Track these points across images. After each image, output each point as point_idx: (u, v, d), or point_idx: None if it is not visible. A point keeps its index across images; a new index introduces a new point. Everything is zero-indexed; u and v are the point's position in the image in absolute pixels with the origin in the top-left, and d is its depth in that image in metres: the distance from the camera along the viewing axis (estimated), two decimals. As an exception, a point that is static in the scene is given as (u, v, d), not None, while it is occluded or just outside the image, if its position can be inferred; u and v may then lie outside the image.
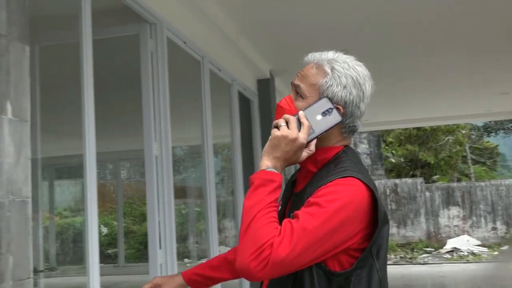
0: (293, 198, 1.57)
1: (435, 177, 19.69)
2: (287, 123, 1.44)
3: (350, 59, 1.54)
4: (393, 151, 20.77)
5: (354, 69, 1.51)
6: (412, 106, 11.12)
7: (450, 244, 15.12)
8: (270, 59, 7.09)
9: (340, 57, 1.53)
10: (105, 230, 15.58)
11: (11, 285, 2.11)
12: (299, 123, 1.44)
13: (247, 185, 5.97)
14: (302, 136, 1.42)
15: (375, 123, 13.05)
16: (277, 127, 1.45)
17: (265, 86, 7.35)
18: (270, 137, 1.46)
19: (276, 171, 1.41)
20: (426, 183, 16.82)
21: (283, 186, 1.53)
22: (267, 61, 7.14)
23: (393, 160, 20.83)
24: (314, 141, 1.47)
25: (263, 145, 7.11)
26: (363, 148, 19.09)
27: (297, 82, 1.54)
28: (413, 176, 19.21)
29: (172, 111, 4.23)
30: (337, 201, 1.35)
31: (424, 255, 14.59)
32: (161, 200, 4.08)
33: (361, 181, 1.39)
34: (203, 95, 5.15)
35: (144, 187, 4.17)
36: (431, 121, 14.26)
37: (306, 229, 1.31)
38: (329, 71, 1.50)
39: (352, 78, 1.49)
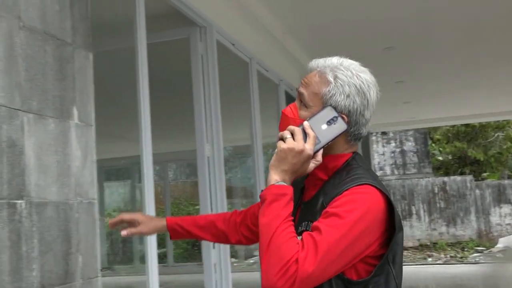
0: (302, 206, 1.54)
1: (484, 174, 19.23)
2: (292, 134, 1.43)
3: (354, 66, 1.50)
4: (441, 149, 20.39)
5: (358, 76, 1.47)
6: (460, 102, 10.89)
7: (502, 243, 14.74)
8: (316, 58, 7.07)
9: (344, 63, 1.49)
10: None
11: (81, 283, 2.19)
12: (305, 134, 1.43)
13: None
14: (309, 147, 1.41)
15: (421, 120, 12.85)
16: (283, 139, 1.43)
17: (311, 85, 7.34)
18: (276, 150, 1.44)
19: (286, 184, 1.40)
20: (475, 180, 16.44)
21: None
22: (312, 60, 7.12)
23: (440, 158, 20.45)
24: (321, 151, 1.45)
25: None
26: (409, 146, 18.81)
27: (301, 90, 1.51)
28: (461, 173, 18.82)
29: (221, 112, 4.29)
30: (356, 211, 1.34)
31: (475, 254, 14.26)
32: (214, 200, 4.14)
33: (377, 188, 1.39)
34: (251, 95, 5.21)
35: (190, 187, 4.25)
36: (480, 117, 13.92)
37: (329, 242, 1.30)
38: (332, 79, 1.46)
39: (356, 87, 1.46)
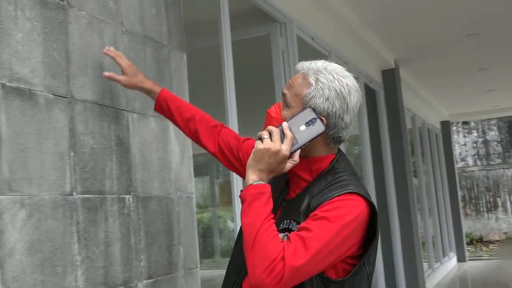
0: (284, 204, 1.55)
1: None
2: (270, 135, 1.46)
3: (337, 70, 1.51)
4: (527, 137, 19.41)
5: (339, 80, 1.48)
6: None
7: None
8: (395, 49, 6.96)
9: (328, 68, 1.50)
10: (232, 225, 16.16)
11: (183, 273, 2.30)
12: (283, 134, 1.45)
13: (376, 177, 5.95)
14: (285, 148, 1.43)
15: (506, 108, 12.30)
16: (261, 139, 1.46)
17: (390, 76, 7.24)
18: (253, 150, 1.46)
19: (263, 183, 1.43)
20: None
21: None
22: (391, 51, 7.02)
23: (526, 147, 19.48)
24: (298, 152, 1.47)
25: (390, 136, 7.04)
26: (492, 135, 18.07)
27: (284, 90, 1.54)
28: (550, 163, 17.84)
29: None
30: (345, 217, 1.39)
31: None
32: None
33: (362, 196, 1.43)
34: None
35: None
36: None
37: (320, 242, 1.35)
38: (313, 82, 1.48)
39: (336, 90, 1.47)
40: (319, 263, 1.37)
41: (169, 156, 2.29)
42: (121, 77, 1.94)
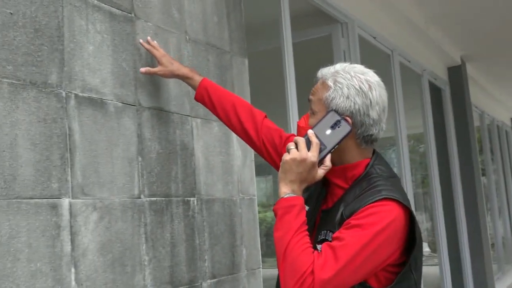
0: (322, 215, 1.52)
1: None
2: (296, 145, 1.44)
3: (355, 69, 1.49)
4: None
5: (357, 78, 1.46)
6: None
7: None
8: (461, 45, 6.77)
9: (346, 68, 1.49)
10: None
11: (245, 274, 2.36)
12: (309, 143, 1.43)
13: (442, 175, 5.81)
14: (312, 155, 1.41)
15: None
16: (288, 151, 1.44)
17: (457, 73, 7.05)
18: (281, 162, 1.45)
19: (295, 195, 1.42)
20: None
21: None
22: (457, 47, 6.84)
23: None
24: (329, 157, 1.45)
25: (457, 134, 6.86)
26: None
27: (310, 97, 1.54)
28: None
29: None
30: (377, 224, 1.35)
31: None
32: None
33: (397, 201, 1.39)
34: (394, 87, 5.13)
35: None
36: None
37: (351, 252, 1.32)
38: (331, 84, 1.47)
39: (355, 87, 1.45)
40: (353, 273, 1.34)
41: (231, 160, 2.36)
42: (156, 68, 1.94)
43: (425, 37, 5.81)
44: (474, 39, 6.59)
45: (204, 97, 1.94)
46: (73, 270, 1.60)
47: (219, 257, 2.22)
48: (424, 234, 12.21)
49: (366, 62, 4.47)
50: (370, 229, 1.35)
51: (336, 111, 1.45)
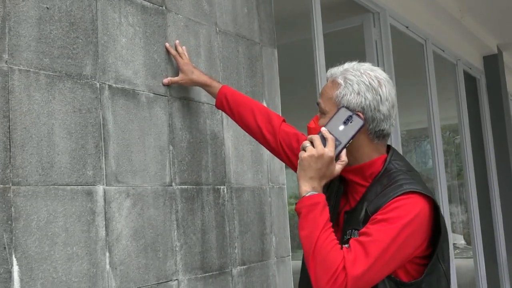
0: (346, 216, 1.51)
1: None
2: (311, 143, 1.45)
3: (364, 66, 1.51)
4: None
5: (367, 74, 1.48)
6: None
7: None
8: (497, 33, 6.64)
9: (356, 66, 1.52)
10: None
11: (275, 261, 2.40)
12: (324, 139, 1.44)
13: (477, 166, 5.72)
14: (328, 150, 1.42)
15: None
16: (304, 149, 1.46)
17: (493, 62, 6.91)
18: (298, 161, 1.46)
19: (316, 192, 1.42)
20: None
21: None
22: (493, 36, 6.70)
23: None
24: (344, 151, 1.46)
25: (492, 125, 6.75)
26: None
27: (318, 100, 1.56)
28: None
29: (397, 96, 4.26)
30: (404, 217, 1.37)
31: None
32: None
33: (421, 194, 1.41)
34: (427, 77, 5.08)
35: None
36: None
37: (380, 246, 1.34)
38: (341, 81, 1.49)
39: (365, 84, 1.47)
40: (383, 267, 1.36)
41: (261, 149, 2.39)
42: (177, 78, 1.98)
43: (460, 25, 5.72)
44: (511, 27, 6.45)
45: (224, 104, 1.98)
46: (107, 254, 1.67)
47: (248, 245, 2.26)
48: (459, 227, 12.04)
49: (399, 52, 4.46)
50: (397, 222, 1.37)
51: (347, 107, 1.48)
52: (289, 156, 1.85)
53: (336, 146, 1.45)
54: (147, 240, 1.81)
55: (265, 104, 2.45)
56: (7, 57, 1.47)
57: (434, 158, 5.11)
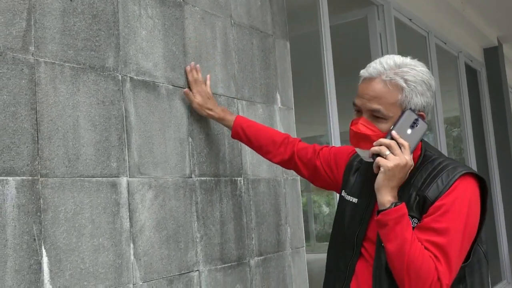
0: None
1: None
2: (389, 149, 1.42)
3: (413, 63, 1.49)
4: None
5: (421, 71, 1.48)
6: None
7: None
8: (498, 25, 6.66)
9: (405, 62, 1.48)
10: (327, 209, 16.19)
11: (290, 252, 2.42)
12: (400, 145, 1.42)
13: (478, 158, 5.72)
14: (409, 158, 1.42)
15: None
16: (381, 155, 1.42)
17: (493, 54, 6.94)
18: (381, 170, 1.41)
19: (399, 204, 1.40)
20: None
21: None
22: (494, 28, 6.72)
23: None
24: (411, 156, 1.45)
25: (493, 117, 6.77)
26: None
27: (370, 105, 1.47)
28: None
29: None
30: (467, 205, 1.40)
31: None
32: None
33: (474, 175, 1.44)
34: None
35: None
36: None
37: (456, 246, 1.38)
38: (404, 84, 1.45)
39: (424, 83, 1.47)
40: (460, 260, 1.42)
41: (275, 141, 2.40)
42: (193, 98, 1.95)
43: (461, 18, 5.74)
44: (511, 19, 6.47)
45: (240, 134, 1.97)
46: (131, 245, 1.68)
47: (265, 236, 2.28)
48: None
49: (402, 44, 4.47)
50: (463, 212, 1.40)
51: (413, 110, 1.46)
52: (328, 174, 1.84)
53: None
54: (169, 232, 1.82)
55: (278, 96, 2.46)
56: (33, 49, 1.47)
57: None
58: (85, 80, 1.60)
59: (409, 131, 1.44)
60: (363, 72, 1.52)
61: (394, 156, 1.41)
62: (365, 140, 1.49)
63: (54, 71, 1.52)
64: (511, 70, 7.73)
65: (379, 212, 1.41)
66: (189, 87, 1.96)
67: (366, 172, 1.60)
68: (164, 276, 1.77)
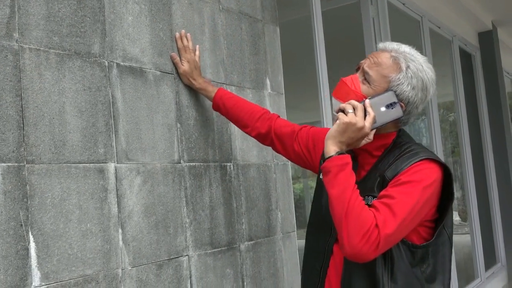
0: (358, 186, 1.49)
1: None
2: (354, 109, 1.46)
3: (424, 60, 1.54)
4: None
5: (426, 72, 1.52)
6: None
7: None
8: (492, 9, 6.64)
9: (416, 56, 1.54)
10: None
11: (281, 236, 2.43)
12: (367, 113, 1.47)
13: (473, 143, 5.75)
14: (368, 126, 1.46)
15: None
16: (344, 111, 1.47)
17: (488, 38, 6.93)
18: (337, 121, 1.46)
19: (345, 154, 1.46)
20: None
21: None
22: (488, 12, 6.70)
23: None
24: (374, 131, 1.50)
25: (488, 101, 6.78)
26: None
27: (367, 67, 1.54)
28: None
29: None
30: (424, 181, 1.43)
31: None
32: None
33: (436, 161, 1.47)
34: (424, 54, 5.04)
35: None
36: None
37: (406, 207, 1.40)
38: (404, 68, 1.51)
39: (422, 81, 1.51)
40: (406, 228, 1.43)
41: (265, 126, 2.41)
42: (182, 66, 1.97)
43: (455, 1, 5.72)
44: (505, 3, 6.45)
45: (220, 106, 2.00)
46: (120, 230, 1.69)
47: (255, 220, 2.29)
48: (454, 203, 12.17)
49: (396, 29, 4.46)
50: (419, 185, 1.43)
51: (397, 95, 1.50)
52: (306, 155, 1.87)
53: (372, 124, 1.49)
54: (158, 217, 1.83)
55: (268, 82, 2.46)
56: (17, 36, 1.47)
57: (431, 136, 5.14)
58: (71, 66, 1.60)
59: (383, 108, 1.49)
60: (381, 44, 1.59)
61: (353, 116, 1.46)
62: (344, 93, 1.56)
63: (39, 57, 1.52)
64: (506, 54, 7.72)
65: (324, 160, 1.46)
66: (178, 54, 1.98)
67: None
68: (153, 261, 1.78)
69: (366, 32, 4.20)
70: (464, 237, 6.64)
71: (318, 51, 3.40)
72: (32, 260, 1.43)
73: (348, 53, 5.24)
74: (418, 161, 1.47)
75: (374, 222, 1.38)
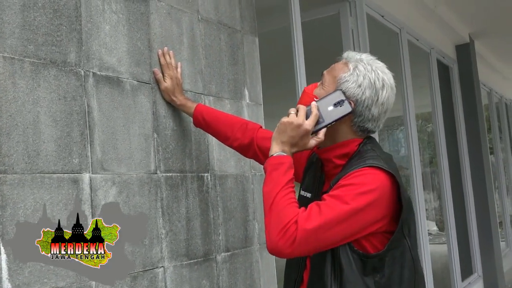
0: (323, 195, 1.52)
1: None
2: (297, 111, 1.52)
3: (378, 65, 1.56)
4: None
5: (376, 72, 1.54)
6: None
7: None
8: (469, 22, 6.75)
9: (371, 61, 1.56)
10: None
11: (258, 247, 2.43)
12: (310, 113, 1.52)
13: (450, 153, 5.82)
14: (308, 123, 1.50)
15: None
16: (288, 115, 1.53)
17: (465, 51, 7.04)
18: (278, 123, 1.53)
19: (284, 154, 1.50)
20: None
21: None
22: (466, 25, 6.82)
23: None
24: (324, 130, 1.53)
25: (465, 112, 6.87)
26: None
27: (324, 71, 1.61)
28: None
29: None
30: (362, 186, 1.42)
31: None
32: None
33: (381, 169, 1.45)
34: (402, 66, 5.15)
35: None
36: None
37: (334, 207, 1.40)
38: (351, 68, 1.55)
39: (370, 80, 1.53)
40: (336, 229, 1.40)
41: (243, 137, 2.40)
42: (164, 83, 1.98)
43: (434, 14, 5.81)
44: (482, 17, 6.57)
45: (201, 121, 2.02)
46: (94, 242, 1.66)
47: (232, 231, 2.28)
48: (432, 213, 12.27)
49: (374, 41, 4.50)
50: (354, 189, 1.42)
51: (344, 93, 1.53)
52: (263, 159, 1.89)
53: (318, 123, 1.52)
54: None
55: (246, 92, 2.46)
56: (-9, 44, 1.45)
57: (409, 146, 5.19)
58: (46, 75, 1.58)
59: (330, 107, 1.53)
60: (345, 53, 1.62)
61: (293, 116, 1.52)
62: (304, 100, 1.61)
63: (13, 66, 1.50)
64: (482, 67, 7.85)
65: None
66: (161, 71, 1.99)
67: (316, 166, 1.68)
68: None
69: (345, 43, 4.23)
70: (441, 247, 6.70)
71: (297, 62, 3.42)
72: (3, 272, 1.41)
73: (327, 64, 5.29)
74: (363, 167, 1.46)
75: (295, 218, 1.39)
